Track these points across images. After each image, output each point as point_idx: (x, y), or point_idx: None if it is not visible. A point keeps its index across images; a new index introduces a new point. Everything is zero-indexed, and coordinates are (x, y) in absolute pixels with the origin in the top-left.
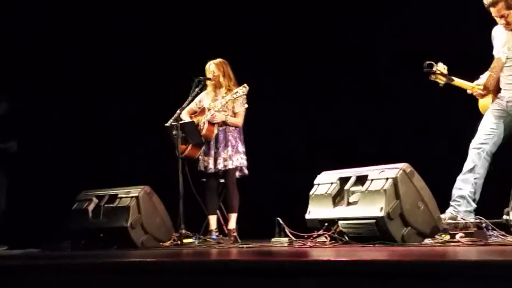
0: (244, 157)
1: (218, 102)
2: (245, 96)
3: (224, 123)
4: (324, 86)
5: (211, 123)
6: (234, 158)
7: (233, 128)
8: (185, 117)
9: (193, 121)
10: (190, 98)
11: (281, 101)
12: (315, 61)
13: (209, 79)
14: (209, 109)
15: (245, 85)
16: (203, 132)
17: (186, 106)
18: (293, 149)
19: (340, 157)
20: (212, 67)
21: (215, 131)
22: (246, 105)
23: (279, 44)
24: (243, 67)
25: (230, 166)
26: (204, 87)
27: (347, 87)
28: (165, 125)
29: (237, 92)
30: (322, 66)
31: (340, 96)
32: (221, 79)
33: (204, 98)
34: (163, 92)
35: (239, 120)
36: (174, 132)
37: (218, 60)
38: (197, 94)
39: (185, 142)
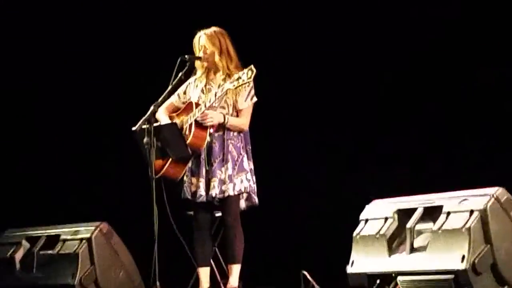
0: (252, 177)
1: (213, 94)
2: (252, 85)
3: (221, 126)
4: (374, 83)
5: (201, 126)
6: (236, 179)
7: (236, 133)
8: (162, 116)
9: (174, 123)
10: (170, 87)
11: (304, 95)
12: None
13: (199, 58)
14: (198, 105)
15: (251, 67)
16: (190, 139)
17: (164, 100)
18: (324, 165)
19: (398, 176)
20: (203, 40)
21: (208, 138)
22: (255, 99)
23: (288, 36)
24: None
25: (230, 192)
26: (191, 71)
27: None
28: (132, 129)
29: (239, 78)
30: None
31: (395, 91)
32: (217, 58)
33: (192, 88)
34: (132, 79)
35: (244, 122)
36: (145, 140)
37: (212, 29)
38: (181, 81)
39: (162, 154)
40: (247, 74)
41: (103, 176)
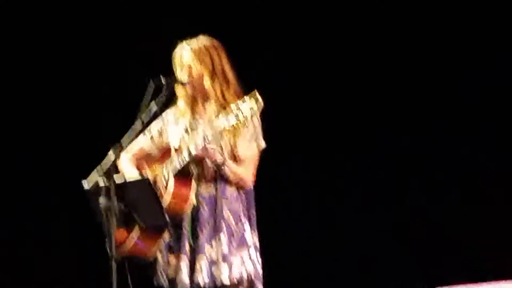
0: (257, 256)
1: (200, 136)
2: (258, 121)
3: (212, 179)
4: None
5: (183, 181)
6: (235, 259)
7: (234, 192)
8: (126, 167)
9: (145, 178)
10: (137, 123)
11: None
12: None
13: (182, 83)
14: (176, 150)
15: (255, 94)
16: (168, 200)
17: (130, 142)
18: (363, 239)
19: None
20: (188, 57)
21: (193, 199)
22: (263, 143)
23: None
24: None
25: (225, 279)
26: (169, 101)
27: None
28: (83, 185)
29: (239, 111)
30: None
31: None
32: (208, 82)
33: (170, 125)
34: (85, 112)
35: (247, 173)
36: (102, 203)
37: (201, 41)
38: (154, 115)
39: (127, 223)
40: (250, 107)
41: (50, 256)
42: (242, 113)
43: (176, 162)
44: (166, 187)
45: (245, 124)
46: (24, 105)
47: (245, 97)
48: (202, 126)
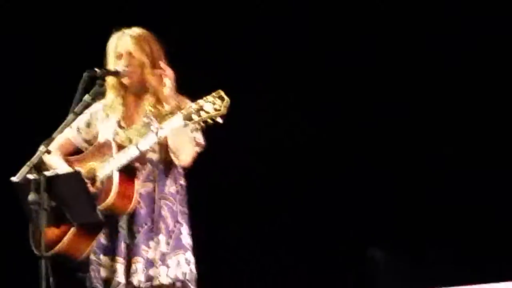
0: (192, 258)
1: (146, 131)
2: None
3: (153, 172)
4: None
5: (128, 177)
6: (171, 262)
7: (172, 188)
8: (56, 161)
9: (77, 172)
10: (70, 116)
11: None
12: None
13: (116, 73)
14: (121, 146)
15: (220, 92)
16: (113, 198)
17: (59, 135)
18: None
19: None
20: (127, 44)
21: (135, 196)
22: (202, 141)
23: None
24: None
25: (163, 279)
26: (101, 94)
27: None
28: (12, 179)
29: (200, 108)
30: None
31: None
32: (148, 73)
33: (99, 119)
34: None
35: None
36: (31, 198)
37: (140, 30)
38: (86, 107)
39: (57, 220)
40: (215, 104)
41: None
42: (205, 111)
43: (123, 158)
44: (109, 184)
45: (206, 122)
46: None
47: (208, 96)
48: (140, 121)
